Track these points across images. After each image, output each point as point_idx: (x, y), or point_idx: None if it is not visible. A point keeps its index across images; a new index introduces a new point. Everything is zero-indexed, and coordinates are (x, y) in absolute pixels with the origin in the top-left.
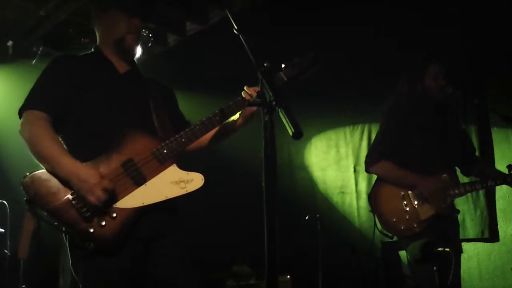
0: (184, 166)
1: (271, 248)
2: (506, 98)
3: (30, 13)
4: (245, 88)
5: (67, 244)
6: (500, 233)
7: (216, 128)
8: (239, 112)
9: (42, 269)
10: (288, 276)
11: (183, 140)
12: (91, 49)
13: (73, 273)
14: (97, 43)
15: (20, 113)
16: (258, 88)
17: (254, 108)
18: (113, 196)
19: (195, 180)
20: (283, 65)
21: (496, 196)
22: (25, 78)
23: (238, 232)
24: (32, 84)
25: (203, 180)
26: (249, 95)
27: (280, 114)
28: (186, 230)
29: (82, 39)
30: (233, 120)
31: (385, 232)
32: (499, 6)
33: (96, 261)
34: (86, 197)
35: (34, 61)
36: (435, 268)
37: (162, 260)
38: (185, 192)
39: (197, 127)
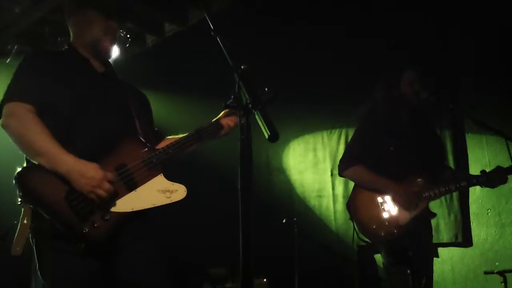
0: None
1: (246, 251)
2: (480, 104)
3: (4, 11)
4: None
5: (34, 248)
6: (473, 237)
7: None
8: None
9: (13, 271)
10: (265, 279)
11: (171, 151)
12: (64, 47)
13: (40, 277)
14: (71, 40)
15: (2, 105)
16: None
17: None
18: (113, 195)
19: (179, 191)
20: None
21: (469, 201)
22: None
23: (216, 235)
24: (7, 81)
25: (186, 192)
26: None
27: (257, 117)
28: (159, 234)
29: (58, 38)
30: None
31: (364, 238)
32: (474, 12)
33: (68, 262)
34: (93, 192)
35: (8, 59)
36: (408, 271)
37: (133, 264)
38: (170, 202)
39: (182, 140)
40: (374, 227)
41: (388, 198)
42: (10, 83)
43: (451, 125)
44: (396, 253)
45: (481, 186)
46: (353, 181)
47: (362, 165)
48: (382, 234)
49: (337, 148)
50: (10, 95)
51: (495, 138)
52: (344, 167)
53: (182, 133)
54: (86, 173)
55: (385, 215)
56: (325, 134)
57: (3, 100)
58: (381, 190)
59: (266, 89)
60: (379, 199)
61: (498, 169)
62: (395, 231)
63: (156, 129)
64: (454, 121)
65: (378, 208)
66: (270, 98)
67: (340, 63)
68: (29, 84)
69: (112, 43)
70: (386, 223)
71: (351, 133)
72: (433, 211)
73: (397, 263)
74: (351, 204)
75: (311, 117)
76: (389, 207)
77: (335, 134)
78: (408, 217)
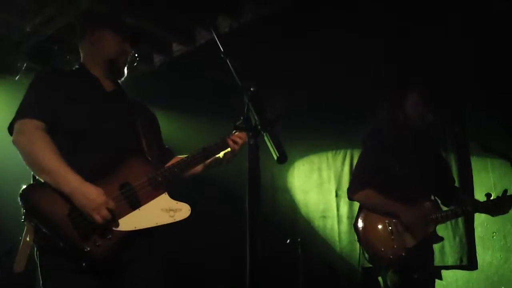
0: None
1: (253, 269)
2: (485, 127)
3: (15, 29)
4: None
5: (38, 263)
6: (478, 261)
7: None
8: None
9: (17, 287)
10: None
11: (176, 170)
12: (75, 66)
13: None
14: (82, 59)
15: (14, 122)
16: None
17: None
18: (113, 218)
19: (183, 210)
20: None
21: (474, 224)
22: (8, 94)
23: (220, 254)
24: (17, 99)
25: (190, 211)
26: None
27: (265, 138)
28: (161, 252)
29: (68, 56)
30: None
31: (371, 261)
32: (480, 38)
33: (69, 279)
34: (91, 215)
35: (17, 77)
36: None
37: (134, 282)
38: (173, 221)
39: (188, 159)
40: (382, 249)
41: (395, 220)
42: (22, 101)
43: (456, 148)
44: (401, 275)
45: (492, 215)
46: (362, 204)
47: (370, 188)
48: (391, 256)
49: (342, 169)
50: (22, 112)
51: (501, 161)
52: (353, 191)
53: (188, 154)
54: (89, 195)
55: (393, 237)
56: (330, 154)
57: (15, 117)
58: (390, 214)
59: (277, 104)
60: (386, 221)
61: (504, 195)
62: (403, 253)
63: (166, 146)
64: (459, 145)
65: (386, 230)
66: (279, 114)
67: (346, 85)
68: (40, 102)
69: (125, 65)
70: (395, 246)
71: (356, 153)
72: (438, 233)
73: (403, 286)
74: (358, 225)
75: (316, 137)
76: (397, 230)
77: (340, 155)
78: (416, 240)
